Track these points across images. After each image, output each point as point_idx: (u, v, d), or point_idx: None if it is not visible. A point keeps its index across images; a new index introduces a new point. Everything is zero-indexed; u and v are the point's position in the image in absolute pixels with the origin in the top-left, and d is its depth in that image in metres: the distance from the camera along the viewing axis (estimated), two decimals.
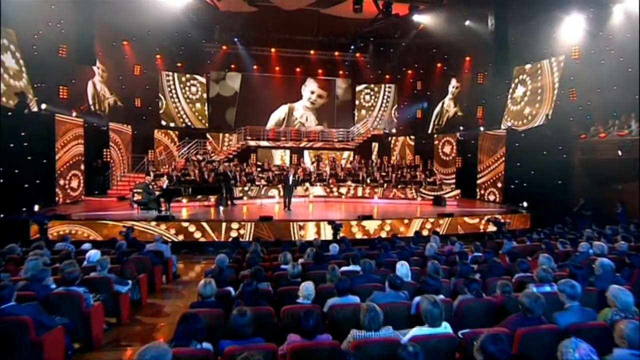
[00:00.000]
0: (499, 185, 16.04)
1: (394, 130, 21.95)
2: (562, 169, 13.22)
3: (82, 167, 13.92)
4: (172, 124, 20.45)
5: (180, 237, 10.21)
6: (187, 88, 21.00)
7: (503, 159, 15.87)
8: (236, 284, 5.42)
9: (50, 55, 13.52)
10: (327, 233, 10.72)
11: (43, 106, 12.44)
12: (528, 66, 16.35)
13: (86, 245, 7.43)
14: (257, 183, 15.64)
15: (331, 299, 4.35)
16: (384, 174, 17.45)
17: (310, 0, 17.60)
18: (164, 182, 13.31)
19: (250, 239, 10.41)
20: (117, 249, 7.25)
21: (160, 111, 20.32)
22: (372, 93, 23.14)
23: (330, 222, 10.33)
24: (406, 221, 11.61)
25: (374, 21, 17.12)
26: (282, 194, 15.11)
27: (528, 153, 14.35)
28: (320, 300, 4.47)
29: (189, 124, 20.94)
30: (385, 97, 22.99)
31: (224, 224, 10.60)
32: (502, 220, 10.73)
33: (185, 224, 10.42)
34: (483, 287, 5.11)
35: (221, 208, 13.44)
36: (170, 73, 20.53)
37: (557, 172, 13.25)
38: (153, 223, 10.34)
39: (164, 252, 8.09)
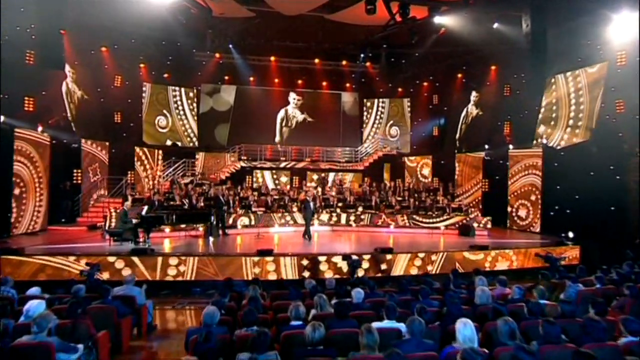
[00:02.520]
0: (536, 211, 14.91)
1: (388, 149, 21.05)
2: (615, 192, 12.09)
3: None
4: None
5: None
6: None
7: (539, 181, 14.79)
8: (230, 352, 4.14)
9: (16, 62, 12.56)
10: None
11: (1, 119, 11.35)
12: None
13: (33, 290, 6.16)
14: (253, 209, 14.49)
15: None
16: (399, 198, 16.32)
17: (314, 4, 16.95)
18: (143, 208, 12.14)
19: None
20: (72, 296, 5.95)
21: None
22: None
23: (345, 256, 9.09)
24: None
25: (386, 26, 16.36)
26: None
27: (570, 174, 13.29)
28: None
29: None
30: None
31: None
32: (557, 255, 9.48)
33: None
34: None
35: (211, 239, 12.35)
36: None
37: (609, 196, 12.10)
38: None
39: (136, 297, 6.79)
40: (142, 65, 18.81)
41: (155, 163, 18.49)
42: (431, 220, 15.08)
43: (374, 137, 21.99)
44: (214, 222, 12.70)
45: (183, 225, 12.77)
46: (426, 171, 20.35)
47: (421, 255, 10.57)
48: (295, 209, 15.66)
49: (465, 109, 19.57)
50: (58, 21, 14.00)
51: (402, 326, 4.91)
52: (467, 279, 8.72)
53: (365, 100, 22.42)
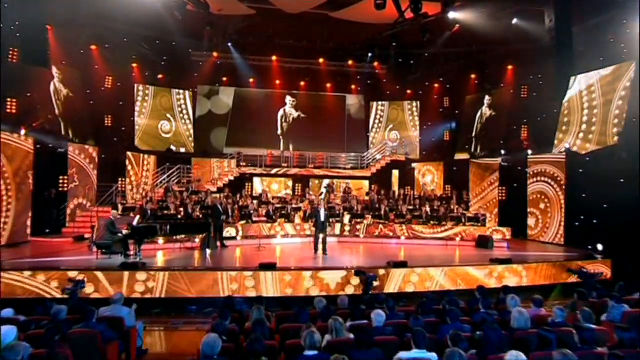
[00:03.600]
0: (558, 222, 14.41)
1: (394, 155, 20.70)
2: None
3: None
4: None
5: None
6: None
7: (562, 188, 14.30)
8: None
9: None
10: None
11: None
12: None
13: (5, 312, 5.61)
14: (254, 219, 13.97)
15: None
16: (410, 207, 15.81)
17: (317, 1, 16.62)
18: (135, 218, 11.67)
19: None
20: (51, 319, 5.41)
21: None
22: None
23: (358, 271, 8.56)
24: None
25: (395, 24, 15.97)
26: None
27: (597, 181, 12.74)
28: None
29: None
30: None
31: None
32: (591, 271, 8.92)
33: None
34: None
35: (208, 251, 11.85)
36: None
37: None
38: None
39: (124, 318, 6.24)
40: (134, 65, 18.53)
41: (141, 169, 17.88)
42: (431, 231, 14.63)
43: (374, 142, 21.70)
44: (212, 233, 12.19)
45: (178, 237, 12.27)
46: (428, 178, 19.89)
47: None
48: (298, 218, 15.20)
49: (479, 112, 19.21)
50: (44, 17, 13.62)
51: (433, 356, 4.39)
52: (471, 296, 8.32)
53: (371, 102, 22.15)
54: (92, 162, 15.63)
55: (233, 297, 8.09)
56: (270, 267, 9.55)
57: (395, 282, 9.76)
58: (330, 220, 12.96)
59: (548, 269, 10.71)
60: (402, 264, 10.17)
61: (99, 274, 8.75)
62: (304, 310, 6.36)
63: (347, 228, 15.10)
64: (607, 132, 13.89)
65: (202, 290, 8.93)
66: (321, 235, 12.04)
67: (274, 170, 19.25)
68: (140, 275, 8.87)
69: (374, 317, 5.40)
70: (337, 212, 15.19)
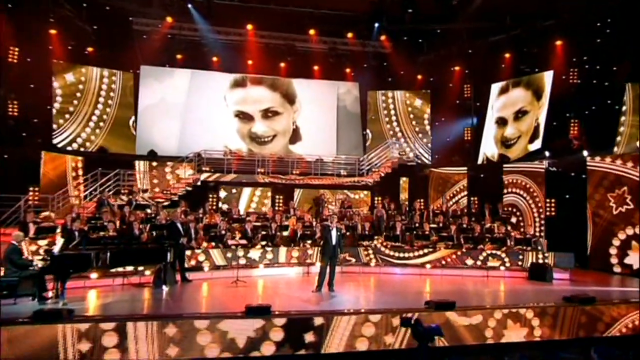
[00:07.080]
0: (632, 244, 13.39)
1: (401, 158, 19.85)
2: None
3: None
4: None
5: None
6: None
7: (631, 201, 13.37)
8: None
9: None
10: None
11: None
12: None
13: None
14: (229, 242, 12.38)
15: None
16: (434, 225, 14.63)
17: None
18: (55, 243, 10.08)
19: None
20: None
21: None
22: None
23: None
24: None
25: None
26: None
27: None
28: None
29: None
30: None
31: None
32: None
33: None
34: None
35: (165, 288, 10.26)
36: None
37: None
38: None
39: None
40: (52, 32, 16.87)
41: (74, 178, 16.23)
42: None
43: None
44: (169, 263, 10.54)
45: (121, 269, 10.72)
46: None
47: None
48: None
49: (511, 103, 18.74)
50: None
51: None
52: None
53: (370, 92, 21.46)
54: None
55: None
56: (261, 311, 7.77)
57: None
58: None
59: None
60: (447, 306, 8.64)
61: None
62: None
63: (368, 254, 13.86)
64: None
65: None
66: (331, 264, 10.49)
67: (246, 178, 17.79)
68: None
69: None
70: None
